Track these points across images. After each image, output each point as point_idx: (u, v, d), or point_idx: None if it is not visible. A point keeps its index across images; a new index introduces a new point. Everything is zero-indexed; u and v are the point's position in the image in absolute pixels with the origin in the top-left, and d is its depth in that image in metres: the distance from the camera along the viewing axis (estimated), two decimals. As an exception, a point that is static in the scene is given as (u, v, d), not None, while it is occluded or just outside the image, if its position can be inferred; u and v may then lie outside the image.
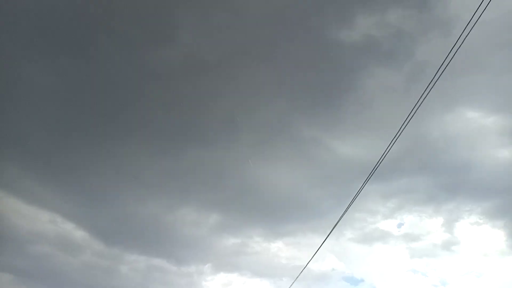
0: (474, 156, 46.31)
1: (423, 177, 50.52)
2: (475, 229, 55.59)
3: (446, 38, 39.18)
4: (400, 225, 59.43)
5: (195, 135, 48.59)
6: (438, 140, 46.86)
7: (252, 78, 42.95)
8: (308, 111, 55.85)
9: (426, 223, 53.40)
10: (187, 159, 48.71)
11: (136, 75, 40.63)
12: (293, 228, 51.49)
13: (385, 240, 54.84)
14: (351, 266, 60.81)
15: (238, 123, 50.59)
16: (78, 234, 50.40)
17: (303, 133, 54.01)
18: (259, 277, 55.93)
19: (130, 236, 53.68)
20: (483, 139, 45.66)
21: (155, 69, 40.57)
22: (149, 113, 43.06)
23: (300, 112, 55.88)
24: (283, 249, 53.55)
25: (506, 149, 44.22)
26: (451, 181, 48.94)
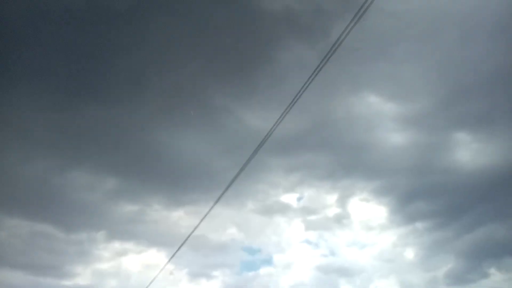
0: (371, 138, 49.95)
1: (325, 154, 53.23)
2: (363, 205, 61.15)
3: (361, 23, 40.66)
4: (299, 199, 62.34)
5: (95, 90, 43.94)
6: (341, 120, 49.49)
7: (166, 35, 39.91)
8: (222, 78, 54.24)
9: (323, 198, 56.80)
10: (85, 115, 43.93)
11: (30, 18, 35.01)
12: (196, 198, 50.67)
13: (285, 212, 57.24)
14: (250, 237, 62.53)
15: (146, 82, 47.16)
16: None
17: (214, 100, 52.54)
18: (157, 246, 54.14)
19: (11, 198, 47.70)
20: (379, 123, 49.42)
21: (53, 13, 35.30)
22: (42, 59, 37.56)
23: (213, 79, 54.07)
24: (183, 218, 52.50)
25: (398, 134, 48.55)
26: (349, 160, 52.43)
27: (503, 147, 45.57)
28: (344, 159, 52.61)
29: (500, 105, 44.41)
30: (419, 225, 51.39)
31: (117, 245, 56.37)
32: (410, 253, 54.90)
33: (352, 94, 49.05)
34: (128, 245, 57.02)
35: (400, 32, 43.86)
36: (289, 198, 62.72)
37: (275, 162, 55.02)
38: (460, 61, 43.14)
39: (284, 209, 56.68)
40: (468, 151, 47.20)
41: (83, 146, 45.51)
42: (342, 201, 56.31)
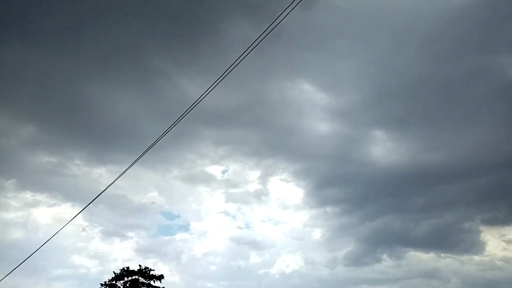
0: (299, 123, 52.61)
1: (255, 132, 55.00)
2: (283, 185, 64.40)
3: (305, 12, 42.19)
4: (224, 172, 63.98)
5: (23, 30, 40.94)
6: (275, 102, 51.38)
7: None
8: (164, 42, 53.17)
9: (247, 174, 58.99)
10: (8, 56, 40.97)
11: None
12: (121, 158, 49.81)
13: (208, 183, 58.46)
14: (171, 202, 63.02)
15: (84, 31, 44.66)
16: None
17: (154, 63, 51.41)
18: (72, 202, 52.28)
19: None
20: (310, 110, 52.07)
21: None
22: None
23: (155, 41, 52.79)
24: (105, 176, 51.28)
25: (324, 124, 51.66)
26: (276, 141, 54.75)
27: (412, 149, 50.67)
28: (272, 139, 54.97)
29: (417, 111, 49.20)
30: (329, 209, 55.73)
31: (28, 195, 53.51)
32: (317, 234, 59.25)
33: (288, 79, 51.02)
34: (41, 197, 54.28)
35: (342, 28, 46.23)
36: (215, 170, 63.38)
37: (206, 134, 55.72)
38: (389, 65, 46.79)
39: (208, 179, 57.86)
40: (382, 148, 51.88)
41: (2, 87, 42.43)
42: (264, 179, 58.63)
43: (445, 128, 48.76)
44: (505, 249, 45.24)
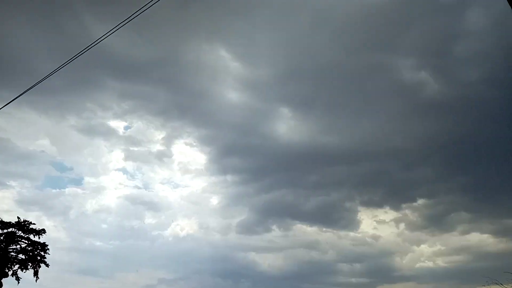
0: (211, 88, 52.18)
1: (164, 90, 53.08)
2: (187, 149, 64.06)
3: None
4: (127, 128, 61.05)
5: None
6: (190, 63, 49.95)
7: None
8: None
9: (151, 133, 56.99)
10: None
11: None
12: (7, 95, 44.16)
13: (108, 137, 55.14)
14: (64, 153, 58.29)
15: None
16: None
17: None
18: None
19: None
20: (223, 77, 51.87)
21: None
22: None
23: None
24: (-15, 114, 45.35)
25: (236, 93, 52.06)
26: (185, 103, 53.70)
27: (312, 130, 54.04)
28: (181, 101, 53.72)
29: (322, 95, 52.32)
30: (230, 177, 57.21)
31: None
32: (215, 200, 60.56)
33: (206, 42, 49.81)
34: None
35: (268, 0, 46.23)
36: (117, 125, 60.41)
37: (112, 85, 51.96)
38: (304, 47, 48.47)
39: (108, 133, 54.62)
40: (286, 125, 54.38)
41: None
42: (168, 140, 57.62)
43: (344, 115, 52.97)
44: (375, 228, 51.84)
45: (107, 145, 55.77)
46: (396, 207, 52.54)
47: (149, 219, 56.09)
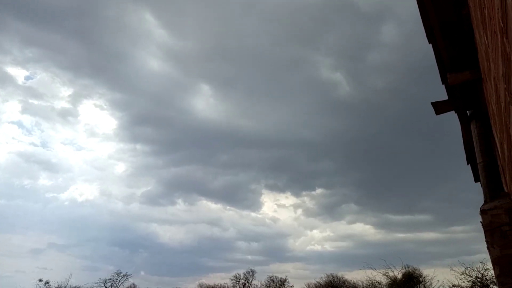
0: (131, 52, 49.35)
1: (78, 44, 48.26)
2: (96, 111, 60.21)
3: None
4: (28, 78, 55.29)
5: None
6: (110, 20, 46.52)
7: None
8: None
9: (57, 88, 52.14)
10: None
11: None
12: None
13: (3, 84, 48.93)
14: None
15: None
16: None
17: None
18: None
19: None
20: (145, 43, 49.51)
21: None
22: None
23: None
24: None
25: (157, 61, 49.94)
26: (99, 61, 49.77)
27: (230, 111, 54.73)
28: (96, 59, 49.82)
29: (244, 78, 53.11)
30: (139, 146, 55.24)
31: None
32: (121, 168, 58.33)
33: (130, 3, 46.88)
34: None
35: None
36: (16, 72, 54.15)
37: (15, 27, 45.82)
38: (232, 28, 48.44)
39: (4, 81, 48.47)
40: (205, 102, 54.12)
41: None
42: (76, 99, 53.30)
43: (262, 102, 54.58)
44: (275, 211, 54.98)
45: (2, 94, 49.77)
46: (296, 194, 56.35)
47: (44, 180, 52.09)
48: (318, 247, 49.59)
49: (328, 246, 50.14)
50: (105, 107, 53.58)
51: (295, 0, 45.26)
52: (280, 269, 54.24)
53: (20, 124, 53.59)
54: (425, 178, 50.89)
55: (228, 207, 54.72)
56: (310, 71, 49.79)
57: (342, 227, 51.36)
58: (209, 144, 55.37)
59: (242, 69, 52.30)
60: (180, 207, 52.83)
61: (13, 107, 52.52)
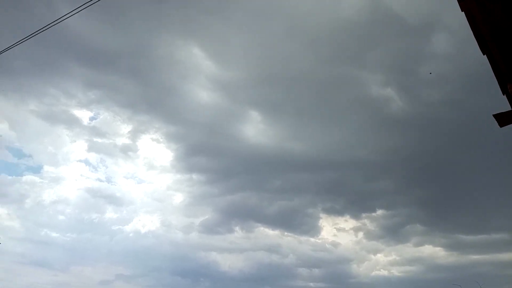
0: (182, 85, 51.74)
1: (133, 82, 51.94)
2: (153, 144, 63.07)
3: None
4: (92, 118, 59.29)
5: None
6: (162, 57, 49.29)
7: None
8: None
9: (117, 125, 55.60)
10: None
11: None
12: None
13: (71, 126, 53.22)
14: (23, 139, 55.67)
15: None
16: None
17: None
18: None
19: None
20: (194, 75, 51.61)
21: None
22: None
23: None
24: None
25: (206, 92, 51.92)
26: (154, 97, 52.86)
27: (280, 135, 54.87)
28: (150, 95, 52.78)
29: (292, 102, 53.23)
30: (195, 176, 56.89)
31: None
32: (179, 198, 59.98)
33: (180, 37, 49.35)
34: None
35: (243, 2, 46.57)
36: (81, 114, 58.64)
37: (78, 71, 50.26)
38: (276, 52, 49.16)
39: (71, 122, 52.69)
40: (255, 128, 54.84)
41: None
42: (135, 134, 56.13)
43: (311, 124, 54.03)
44: (335, 235, 53.25)
45: (70, 135, 53.86)
46: (356, 216, 54.20)
47: (110, 213, 54.72)
48: (384, 272, 47.06)
49: (396, 271, 47.35)
50: (161, 140, 56.10)
51: (337, 20, 45.15)
52: (345, 297, 51.99)
53: (87, 162, 57.31)
54: (496, 194, 46.94)
55: (286, 233, 53.95)
56: (359, 89, 48.85)
57: (409, 250, 48.46)
58: (261, 170, 55.57)
59: (289, 92, 52.57)
60: (238, 234, 53.02)
61: (80, 146, 56.52)
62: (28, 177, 51.90)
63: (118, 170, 58.90)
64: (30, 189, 50.71)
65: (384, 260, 48.59)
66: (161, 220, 55.19)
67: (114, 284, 45.14)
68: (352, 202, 53.85)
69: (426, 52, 44.24)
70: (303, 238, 52.67)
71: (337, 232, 53.53)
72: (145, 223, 55.37)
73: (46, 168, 54.21)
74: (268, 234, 53.32)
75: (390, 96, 47.80)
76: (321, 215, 53.51)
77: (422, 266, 46.20)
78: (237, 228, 53.66)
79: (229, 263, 50.01)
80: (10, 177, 51.31)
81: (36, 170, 56.11)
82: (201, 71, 50.22)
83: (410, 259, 47.45)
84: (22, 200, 48.82)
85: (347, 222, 59.00)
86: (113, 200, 54.84)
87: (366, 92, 48.44)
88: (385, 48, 45.75)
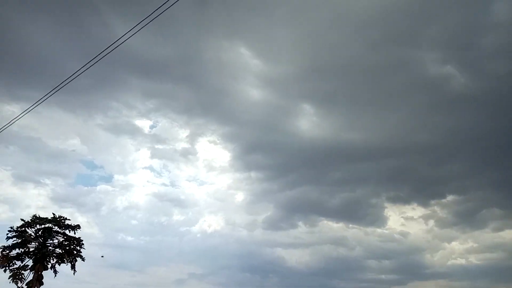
0: (232, 86, 52.46)
1: (187, 88, 53.70)
2: (211, 146, 64.51)
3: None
4: (152, 127, 62.05)
5: None
6: (210, 61, 50.28)
7: None
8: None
9: (175, 131, 57.87)
10: None
11: None
12: (36, 96, 45.12)
13: (134, 135, 56.25)
14: (94, 152, 59.67)
15: None
16: None
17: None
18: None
19: None
20: (244, 75, 52.05)
21: None
22: None
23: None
24: (17, 114, 46.38)
25: (256, 90, 52.21)
26: (208, 101, 54.16)
27: (335, 126, 53.77)
28: (204, 99, 54.29)
29: (344, 91, 51.92)
30: (254, 174, 57.61)
31: None
32: (240, 197, 61.00)
33: (226, 39, 50.04)
34: None
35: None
36: (142, 123, 61.30)
37: (135, 84, 52.81)
38: (324, 42, 48.21)
39: (134, 132, 55.71)
40: (309, 122, 54.27)
41: None
42: (192, 138, 58.36)
43: (367, 111, 52.42)
44: (403, 224, 51.27)
45: (134, 144, 56.99)
46: (424, 204, 51.77)
47: (177, 216, 57.05)
48: (461, 261, 44.68)
49: (474, 259, 44.78)
50: (218, 141, 57.39)
51: (385, 0, 43.26)
52: (419, 288, 49.84)
53: (151, 168, 60.07)
54: None
55: (350, 225, 52.85)
56: (415, 70, 46.49)
57: (487, 236, 45.51)
58: (319, 163, 54.82)
59: (340, 81, 51.32)
60: (301, 229, 52.81)
61: (144, 154, 59.42)
62: (102, 187, 55.96)
63: (180, 174, 61.11)
64: (104, 198, 54.41)
65: (460, 248, 46.08)
66: (225, 219, 56.41)
67: (188, 282, 46.97)
68: (419, 189, 51.49)
69: (487, 23, 41.14)
70: (369, 229, 51.24)
71: (405, 221, 51.47)
72: (210, 223, 56.89)
73: (117, 177, 57.87)
74: (332, 227, 52.54)
75: (451, 73, 45.05)
76: (386, 204, 51.74)
77: (504, 253, 43.22)
78: (300, 223, 53.41)
79: (296, 258, 49.94)
80: (85, 188, 55.47)
81: (108, 179, 60.07)
82: (249, 70, 50.58)
83: (489, 246, 44.57)
84: (98, 208, 52.49)
85: (415, 210, 56.37)
86: (179, 203, 57.04)
87: (424, 72, 46.01)
88: (441, 24, 43.15)
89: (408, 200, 51.31)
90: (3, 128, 9.20)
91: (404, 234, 49.29)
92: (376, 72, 48.96)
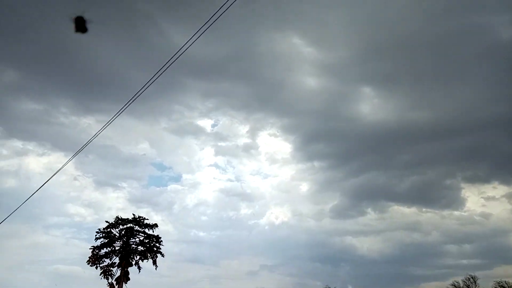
0: (288, 77, 52.18)
1: (243, 85, 54.46)
2: (272, 139, 65.02)
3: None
4: (213, 125, 63.93)
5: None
6: (263, 54, 50.43)
7: None
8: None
9: (236, 127, 59.11)
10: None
11: None
12: (108, 107, 48.88)
13: (197, 135, 58.43)
14: (162, 154, 63.14)
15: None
16: None
17: (137, 4, 48.93)
18: (62, 151, 51.53)
19: None
20: (298, 64, 51.52)
21: None
22: None
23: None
24: (93, 126, 50.59)
25: (313, 79, 51.41)
26: (265, 95, 54.50)
27: (399, 107, 51.40)
28: (260, 93, 54.67)
29: (406, 69, 49.36)
30: (316, 163, 57.00)
31: (17, 144, 52.74)
32: (304, 187, 60.86)
33: (277, 30, 49.82)
34: (30, 146, 53.63)
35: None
36: (204, 123, 63.51)
37: (194, 85, 54.72)
38: (378, 20, 46.09)
39: (197, 132, 57.80)
40: (370, 105, 52.38)
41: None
42: (253, 133, 59.17)
43: (433, 87, 49.40)
44: (483, 205, 48.01)
45: (198, 143, 59.31)
46: (507, 182, 47.91)
47: (244, 210, 58.43)
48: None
49: None
50: (278, 134, 57.60)
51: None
52: (509, 273, 46.43)
53: (216, 165, 62.11)
54: None
55: (424, 209, 50.46)
56: (485, 36, 42.80)
57: None
58: (384, 147, 52.80)
59: (401, 59, 48.80)
60: (371, 216, 51.37)
61: (208, 152, 61.56)
62: (172, 186, 59.11)
63: (244, 169, 62.37)
64: (175, 196, 57.33)
65: (552, 227, 41.82)
66: (291, 211, 56.60)
67: (260, 274, 48.00)
68: (500, 166, 47.63)
69: None
70: (445, 212, 48.54)
71: (486, 202, 48.02)
72: (277, 215, 57.44)
73: (185, 176, 60.70)
74: (404, 212, 50.48)
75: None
76: (463, 185, 48.62)
77: None
78: (369, 210, 51.99)
79: (367, 246, 48.81)
80: (158, 188, 58.89)
81: (177, 179, 63.37)
82: (304, 59, 49.94)
83: None
84: (170, 206, 55.46)
85: (497, 189, 52.18)
86: (245, 197, 58.33)
87: (495, 38, 42.28)
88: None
89: (488, 178, 47.78)
90: (89, 140, 10.06)
91: (485, 216, 46.03)
92: (440, 44, 45.92)
